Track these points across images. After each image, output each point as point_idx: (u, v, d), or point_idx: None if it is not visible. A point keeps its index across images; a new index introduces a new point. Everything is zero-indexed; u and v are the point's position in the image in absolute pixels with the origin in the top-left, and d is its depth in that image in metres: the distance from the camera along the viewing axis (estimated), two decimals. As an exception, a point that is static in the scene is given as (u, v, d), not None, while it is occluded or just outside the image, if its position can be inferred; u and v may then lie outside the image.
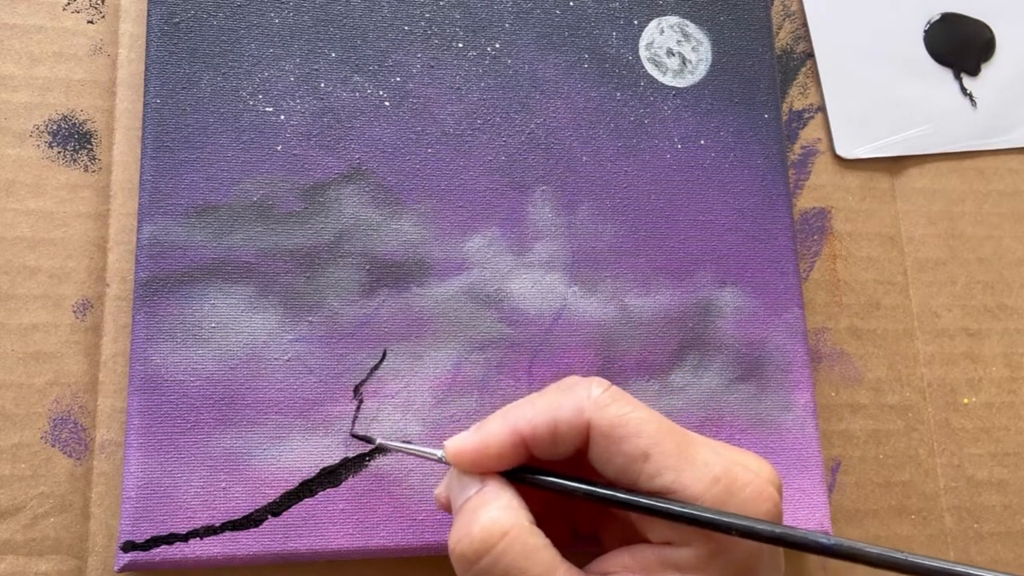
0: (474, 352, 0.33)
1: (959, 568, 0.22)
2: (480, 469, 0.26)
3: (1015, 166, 0.41)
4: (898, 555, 0.23)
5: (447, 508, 0.27)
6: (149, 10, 0.34)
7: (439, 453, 0.27)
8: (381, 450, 0.31)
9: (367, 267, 0.33)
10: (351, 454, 0.32)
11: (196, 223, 0.32)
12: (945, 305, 0.39)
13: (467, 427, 0.27)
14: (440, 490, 0.28)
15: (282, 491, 0.31)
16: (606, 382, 0.26)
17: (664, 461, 0.24)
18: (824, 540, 0.23)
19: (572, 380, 0.27)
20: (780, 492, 0.25)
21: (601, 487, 0.25)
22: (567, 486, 0.25)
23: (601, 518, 0.29)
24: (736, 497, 0.24)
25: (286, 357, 0.32)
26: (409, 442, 0.32)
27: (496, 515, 0.24)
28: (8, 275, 0.33)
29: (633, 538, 0.26)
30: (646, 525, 0.25)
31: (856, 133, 0.40)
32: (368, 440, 0.31)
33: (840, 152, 0.40)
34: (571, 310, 0.34)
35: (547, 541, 0.25)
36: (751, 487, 0.24)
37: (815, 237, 0.39)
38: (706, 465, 0.24)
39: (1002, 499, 0.37)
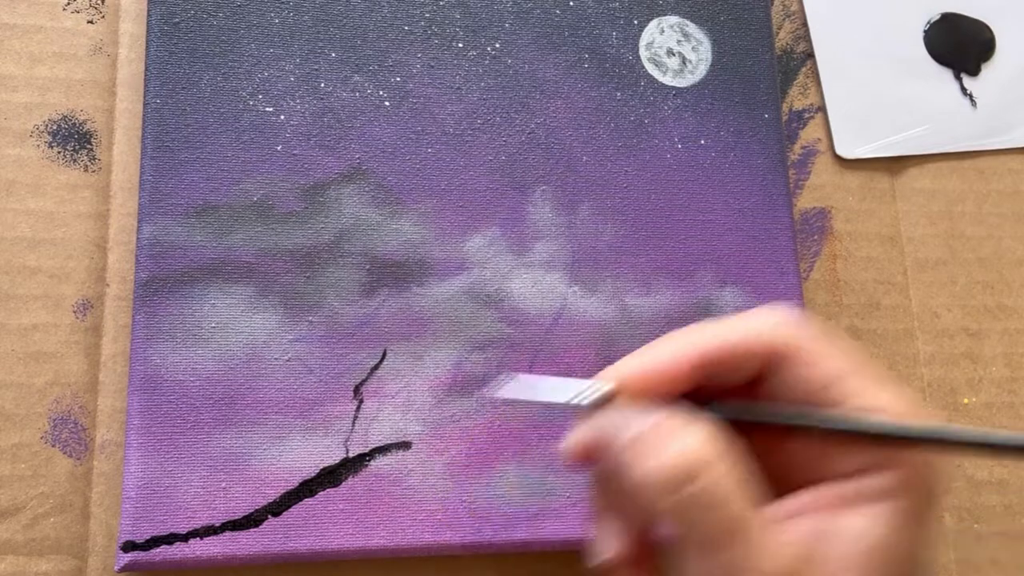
0: (474, 352, 0.33)
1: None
2: (650, 393, 0.22)
3: (1015, 166, 0.41)
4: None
5: (584, 457, 0.23)
6: (149, 10, 0.34)
7: (583, 387, 0.22)
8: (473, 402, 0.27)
9: (367, 267, 0.33)
10: (351, 454, 0.32)
11: (196, 223, 0.32)
12: (945, 305, 0.39)
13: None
14: (576, 437, 0.23)
15: (282, 491, 0.31)
16: (788, 309, 0.24)
17: (862, 381, 0.22)
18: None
19: (750, 311, 0.24)
20: None
21: (819, 414, 0.22)
22: (774, 415, 0.22)
23: (778, 456, 0.25)
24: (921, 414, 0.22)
25: (286, 357, 0.32)
26: (409, 444, 0.32)
27: (700, 439, 0.21)
28: (8, 275, 0.33)
29: (808, 472, 0.24)
30: (837, 457, 0.23)
31: (856, 133, 0.40)
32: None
33: (840, 152, 0.40)
34: (571, 310, 0.34)
35: (747, 476, 0.22)
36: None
37: (815, 237, 0.39)
38: (896, 386, 0.22)
39: (1002, 499, 0.37)
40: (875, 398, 0.22)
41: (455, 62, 0.35)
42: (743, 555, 0.21)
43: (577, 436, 0.23)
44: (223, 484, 0.31)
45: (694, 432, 0.21)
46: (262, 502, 0.31)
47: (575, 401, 0.23)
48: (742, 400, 0.24)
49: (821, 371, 0.22)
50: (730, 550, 0.21)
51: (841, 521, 0.22)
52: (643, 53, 0.37)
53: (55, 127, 0.35)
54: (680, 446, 0.21)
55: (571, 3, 0.37)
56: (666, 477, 0.21)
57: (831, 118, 0.40)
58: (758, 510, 0.21)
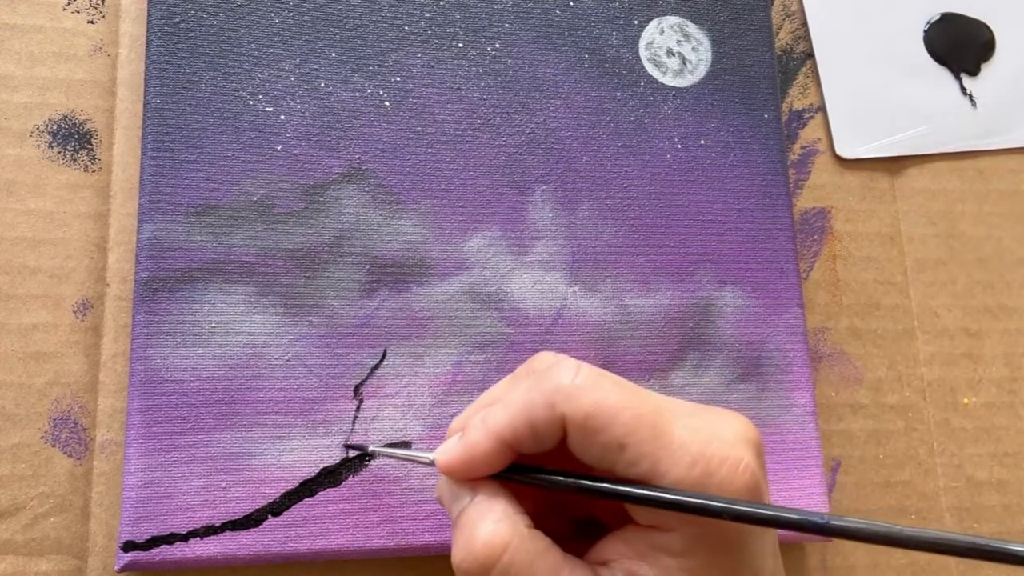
0: (474, 352, 0.33)
1: (953, 537, 0.22)
2: (470, 477, 0.26)
3: (1015, 166, 0.41)
4: (891, 529, 0.22)
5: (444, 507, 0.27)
6: (149, 10, 0.34)
7: (430, 457, 0.27)
8: (375, 456, 0.31)
9: (367, 267, 0.33)
10: (351, 454, 0.32)
11: (196, 223, 0.32)
12: (945, 305, 0.39)
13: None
14: (437, 492, 0.28)
15: (282, 491, 0.31)
16: (576, 364, 0.25)
17: (639, 449, 0.24)
18: (815, 519, 0.23)
19: (544, 362, 0.27)
20: (760, 452, 0.25)
21: (585, 479, 0.25)
22: (554, 481, 0.26)
23: (595, 502, 0.29)
24: (715, 477, 0.24)
25: (286, 357, 0.32)
26: (409, 444, 0.32)
27: (493, 528, 0.24)
28: (8, 275, 0.33)
29: (628, 518, 0.26)
30: (633, 509, 0.25)
31: (856, 133, 0.40)
32: (361, 449, 0.31)
33: (840, 152, 0.40)
34: (571, 310, 0.34)
35: (548, 542, 0.25)
36: (728, 463, 0.24)
37: (815, 237, 0.39)
38: (682, 448, 0.24)
39: (1002, 499, 0.37)
40: (652, 467, 0.24)
41: (455, 62, 0.35)
42: None
43: (437, 492, 0.28)
44: (223, 484, 0.31)
45: (492, 519, 0.25)
46: (262, 502, 0.31)
47: (429, 460, 0.27)
48: (559, 457, 0.26)
49: (606, 439, 0.24)
50: None
51: (644, 571, 0.24)
52: (643, 53, 0.37)
53: (55, 127, 0.35)
54: (480, 536, 0.24)
55: (571, 3, 0.37)
56: (469, 568, 0.24)
57: (831, 118, 0.40)
58: (574, 568, 0.24)
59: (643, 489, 0.24)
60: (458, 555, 0.25)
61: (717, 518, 0.23)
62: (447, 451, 0.26)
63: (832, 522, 0.23)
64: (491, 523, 0.25)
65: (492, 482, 0.26)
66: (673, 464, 0.24)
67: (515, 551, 0.24)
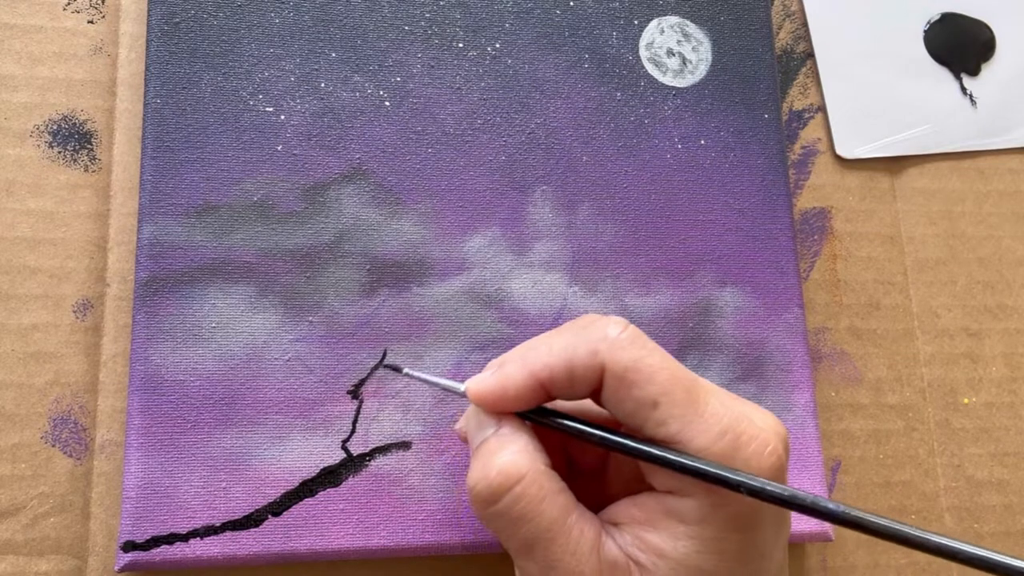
0: (474, 352, 0.33)
1: (963, 545, 0.22)
2: (499, 410, 0.26)
3: (1015, 166, 0.41)
4: (903, 527, 0.22)
5: (466, 440, 0.28)
6: (149, 10, 0.34)
7: (462, 387, 0.27)
8: (408, 376, 0.31)
9: (367, 267, 0.33)
10: (353, 452, 0.32)
11: (196, 223, 0.32)
12: (945, 305, 0.39)
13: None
14: (460, 424, 0.28)
15: (282, 491, 0.31)
16: (624, 321, 0.26)
17: (672, 410, 0.24)
18: (830, 506, 0.23)
19: (591, 318, 0.27)
20: (787, 447, 0.25)
21: (613, 433, 0.25)
22: (580, 430, 0.26)
23: (610, 458, 0.29)
24: (741, 452, 0.24)
25: (286, 357, 0.32)
26: (409, 444, 0.32)
27: (513, 458, 0.25)
28: (8, 275, 0.33)
29: (637, 480, 0.26)
30: (652, 472, 0.25)
31: (856, 133, 0.40)
32: (396, 369, 0.31)
33: (840, 152, 0.40)
34: (571, 310, 0.34)
35: (562, 485, 0.25)
36: (757, 442, 0.24)
37: (815, 237, 0.39)
38: (714, 416, 0.24)
39: (1002, 499, 0.37)
40: (681, 429, 0.24)
41: (455, 62, 0.35)
42: (556, 557, 0.24)
43: (459, 424, 0.28)
44: (223, 484, 0.31)
45: (512, 450, 0.25)
46: (262, 502, 0.31)
47: (461, 390, 0.27)
48: (588, 408, 0.27)
49: (641, 394, 0.24)
50: (541, 556, 0.24)
51: (653, 536, 0.24)
52: (643, 53, 0.37)
53: (55, 127, 0.35)
54: (497, 463, 0.25)
55: (571, 3, 0.37)
56: (480, 492, 0.25)
57: (831, 118, 0.40)
58: (582, 516, 0.25)
59: (670, 452, 0.24)
60: (472, 478, 0.25)
61: (734, 490, 0.23)
62: (481, 380, 0.26)
63: (847, 512, 0.23)
64: (511, 453, 0.25)
65: (518, 419, 0.26)
66: (702, 430, 0.24)
67: (529, 484, 0.24)
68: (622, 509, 0.26)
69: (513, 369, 0.26)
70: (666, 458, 0.24)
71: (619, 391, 0.25)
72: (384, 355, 0.33)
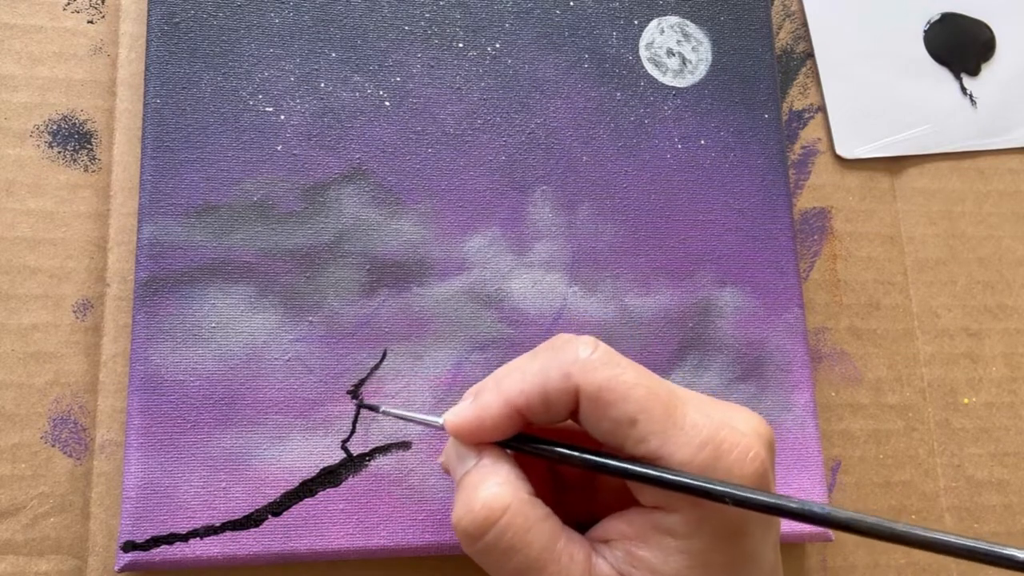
0: (474, 352, 0.33)
1: (952, 538, 0.22)
2: (478, 441, 0.26)
3: (1015, 166, 0.41)
4: (894, 525, 0.22)
5: (449, 473, 0.28)
6: (149, 10, 0.34)
7: (440, 421, 0.27)
8: (385, 415, 0.31)
9: (367, 267, 0.33)
10: (353, 452, 0.32)
11: (196, 223, 0.32)
12: (945, 305, 0.39)
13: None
14: (442, 458, 0.28)
15: (282, 491, 0.31)
16: (594, 341, 0.26)
17: (650, 426, 0.24)
18: (817, 509, 0.23)
19: (563, 339, 0.27)
20: (771, 447, 0.25)
21: (593, 454, 0.25)
22: (562, 454, 0.26)
23: (597, 477, 0.29)
24: (723, 461, 0.24)
25: (286, 357, 0.32)
26: (409, 444, 0.32)
27: (496, 490, 0.25)
28: (8, 275, 0.33)
29: (626, 490, 0.26)
30: (638, 488, 0.25)
31: (856, 133, 0.40)
32: (373, 408, 0.31)
33: (840, 152, 0.40)
34: (571, 310, 0.34)
35: (547, 511, 0.25)
36: (738, 449, 0.24)
37: (815, 237, 0.39)
38: (694, 428, 0.24)
39: (1002, 499, 0.37)
40: (661, 445, 0.24)
41: (455, 62, 0.35)
42: None
43: (441, 458, 0.28)
44: (223, 484, 0.31)
45: (494, 482, 0.25)
46: (262, 502, 0.31)
47: (439, 424, 0.27)
48: (565, 430, 0.27)
49: (618, 413, 0.24)
50: None
51: (644, 552, 0.24)
52: (643, 53, 0.37)
53: (55, 127, 0.35)
54: (480, 496, 0.25)
55: (571, 3, 0.37)
56: (467, 528, 0.24)
57: (831, 118, 0.40)
58: (571, 539, 0.25)
59: (648, 468, 0.24)
60: (457, 513, 0.25)
61: (719, 502, 0.23)
62: (458, 413, 0.26)
63: (834, 514, 0.23)
64: (493, 485, 0.25)
65: (498, 448, 0.26)
66: (682, 444, 0.24)
67: (514, 515, 0.24)
68: (611, 526, 0.26)
69: (489, 398, 0.26)
70: (649, 475, 0.24)
71: (595, 412, 0.25)
72: (383, 356, 0.33)
